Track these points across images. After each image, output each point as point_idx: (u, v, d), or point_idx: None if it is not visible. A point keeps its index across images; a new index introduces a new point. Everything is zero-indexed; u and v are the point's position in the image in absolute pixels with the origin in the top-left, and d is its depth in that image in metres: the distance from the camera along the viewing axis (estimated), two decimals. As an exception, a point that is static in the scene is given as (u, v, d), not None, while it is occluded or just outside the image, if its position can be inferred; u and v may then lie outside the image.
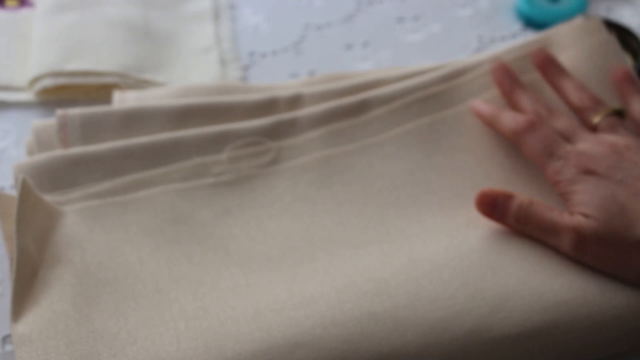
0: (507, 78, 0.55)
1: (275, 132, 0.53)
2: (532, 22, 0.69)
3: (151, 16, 0.67)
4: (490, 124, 0.53)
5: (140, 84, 0.62)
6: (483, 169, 0.52)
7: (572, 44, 0.57)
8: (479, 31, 0.69)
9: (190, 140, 0.51)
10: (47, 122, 0.53)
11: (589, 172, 0.47)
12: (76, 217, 0.47)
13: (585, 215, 0.45)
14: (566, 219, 0.46)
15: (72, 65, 0.61)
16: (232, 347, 0.42)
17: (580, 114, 0.53)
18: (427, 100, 0.55)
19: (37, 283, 0.44)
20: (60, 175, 0.49)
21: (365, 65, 0.66)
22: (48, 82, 0.61)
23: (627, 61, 0.65)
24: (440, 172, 0.52)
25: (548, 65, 0.56)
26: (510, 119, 0.51)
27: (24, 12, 0.68)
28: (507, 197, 0.48)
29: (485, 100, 0.55)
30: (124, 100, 0.56)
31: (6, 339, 0.48)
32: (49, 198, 0.48)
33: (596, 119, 0.52)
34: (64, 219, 0.47)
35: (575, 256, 0.46)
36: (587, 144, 0.49)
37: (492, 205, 0.48)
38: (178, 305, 0.44)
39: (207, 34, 0.68)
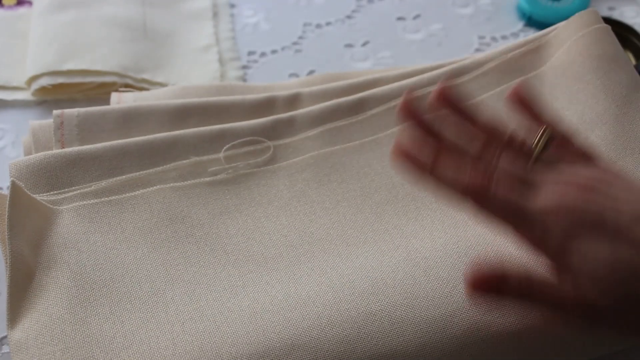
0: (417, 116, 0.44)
1: (273, 131, 0.52)
2: (534, 21, 0.69)
3: (150, 15, 0.67)
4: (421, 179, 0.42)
5: (139, 83, 0.62)
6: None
7: (568, 37, 0.57)
8: (479, 30, 0.69)
9: (187, 139, 0.51)
10: (44, 121, 0.53)
11: (576, 227, 0.37)
12: (72, 216, 0.47)
13: (591, 287, 0.37)
14: (570, 293, 0.38)
15: (69, 64, 0.61)
16: (228, 349, 0.41)
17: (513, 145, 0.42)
18: (425, 99, 0.54)
19: (33, 286, 0.44)
20: (57, 174, 0.48)
21: (365, 64, 0.66)
22: (45, 81, 0.60)
23: (629, 58, 0.64)
24: None
25: (450, 105, 0.45)
26: (452, 180, 0.41)
27: (22, 10, 0.68)
28: (501, 280, 0.39)
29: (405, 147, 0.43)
30: (121, 102, 0.56)
31: (3, 340, 0.48)
32: (44, 197, 0.47)
33: (536, 151, 0.42)
34: (59, 219, 0.47)
35: (592, 332, 0.42)
36: (553, 189, 0.39)
37: (487, 290, 0.39)
38: (174, 307, 0.44)
39: (206, 33, 0.67)
